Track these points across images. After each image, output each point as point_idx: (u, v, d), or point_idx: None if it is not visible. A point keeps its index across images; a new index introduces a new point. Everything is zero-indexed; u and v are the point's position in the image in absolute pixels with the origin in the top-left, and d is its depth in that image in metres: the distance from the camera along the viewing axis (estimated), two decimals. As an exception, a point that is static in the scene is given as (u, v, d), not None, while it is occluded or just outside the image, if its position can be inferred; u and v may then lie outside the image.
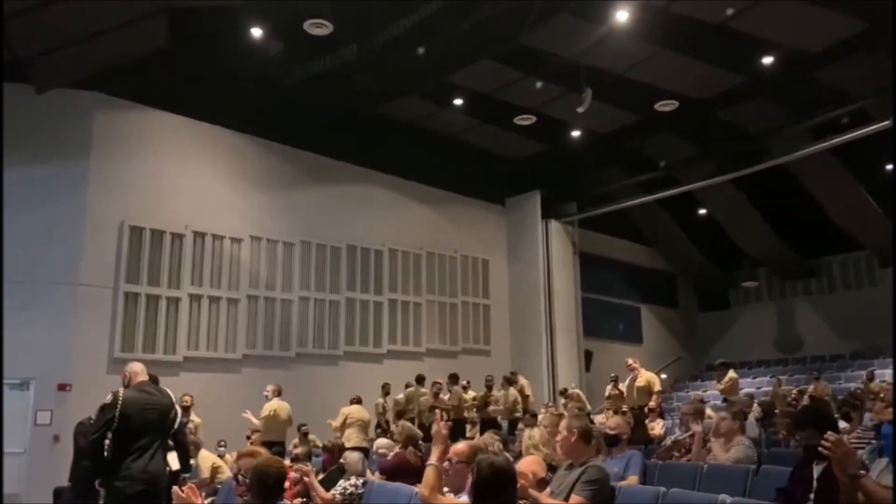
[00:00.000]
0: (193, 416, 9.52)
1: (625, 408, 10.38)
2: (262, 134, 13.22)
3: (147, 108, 12.05)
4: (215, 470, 8.33)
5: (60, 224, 10.89)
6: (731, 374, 11.04)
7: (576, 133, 14.90)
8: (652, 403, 9.69)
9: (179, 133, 12.37)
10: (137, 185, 11.78)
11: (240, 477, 4.06)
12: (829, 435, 2.94)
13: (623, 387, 10.75)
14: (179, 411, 5.19)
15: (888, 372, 14.59)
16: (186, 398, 9.47)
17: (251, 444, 8.47)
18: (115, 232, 11.48)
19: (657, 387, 10.01)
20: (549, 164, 15.96)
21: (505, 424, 11.13)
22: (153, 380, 5.25)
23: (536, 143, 15.53)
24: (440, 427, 3.77)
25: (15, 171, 10.50)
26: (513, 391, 11.66)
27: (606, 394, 11.54)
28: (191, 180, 12.40)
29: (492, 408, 11.46)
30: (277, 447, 9.04)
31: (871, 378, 12.48)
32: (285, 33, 11.45)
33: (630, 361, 10.51)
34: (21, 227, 10.48)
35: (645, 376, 10.10)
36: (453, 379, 11.76)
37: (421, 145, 14.81)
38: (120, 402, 4.69)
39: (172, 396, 5.09)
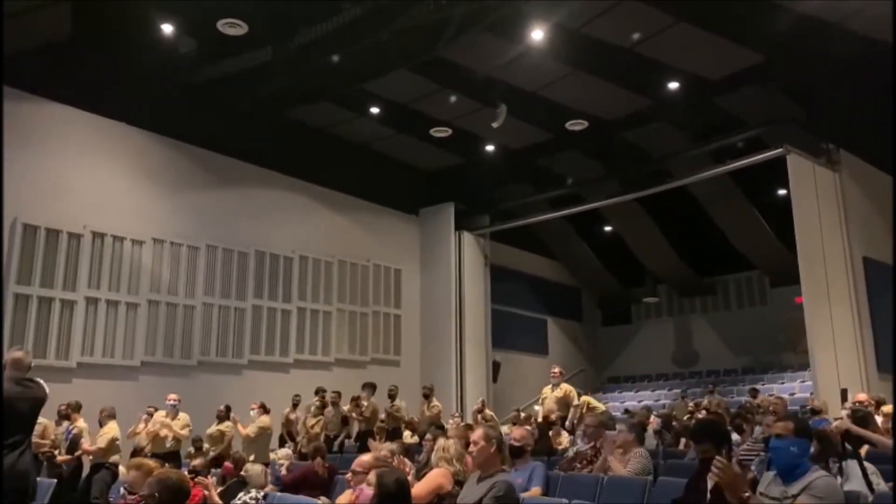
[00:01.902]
0: (80, 422, 9.07)
1: (532, 420, 10.54)
2: (169, 133, 12.75)
3: (46, 101, 11.43)
4: (113, 446, 8.50)
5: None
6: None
7: (490, 147, 15.11)
8: (568, 417, 9.85)
9: (81, 128, 11.78)
10: (33, 180, 11.11)
11: (134, 491, 3.84)
12: (718, 461, 3.06)
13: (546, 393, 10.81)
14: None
15: (776, 387, 15.45)
16: (62, 406, 9.07)
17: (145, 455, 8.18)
18: (7, 229, 10.79)
19: (575, 400, 10.20)
20: (464, 176, 16.11)
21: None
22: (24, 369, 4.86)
23: (451, 155, 15.64)
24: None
25: None
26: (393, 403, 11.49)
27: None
28: (91, 178, 11.82)
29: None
30: (173, 460, 8.71)
31: (754, 395, 13.12)
32: (198, 31, 11.12)
33: (556, 370, 10.63)
34: None
35: (564, 388, 10.29)
36: (371, 388, 11.59)
37: (335, 152, 14.65)
38: None
39: (46, 389, 4.78)
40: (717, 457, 3.14)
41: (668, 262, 19.10)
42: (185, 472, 6.72)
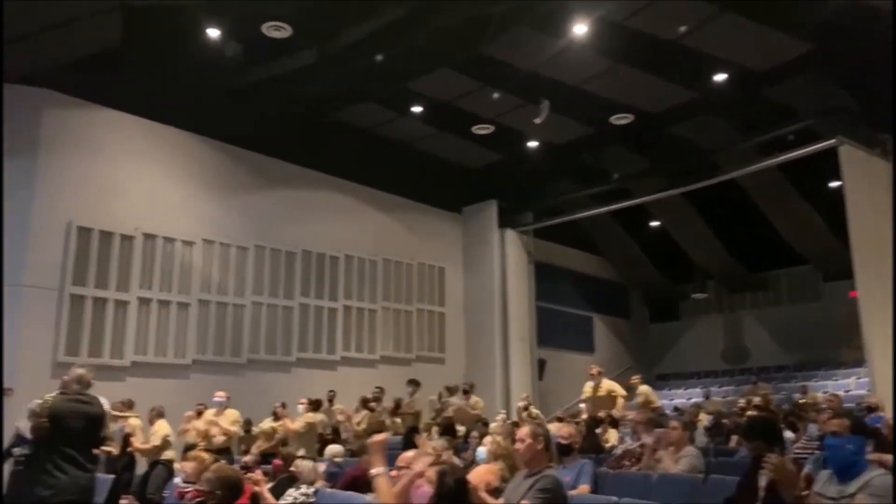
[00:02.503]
0: (132, 420, 9.32)
1: (582, 416, 10.52)
2: (216, 136, 13.02)
3: (98, 107, 11.77)
4: (165, 444, 8.79)
5: (5, 223, 10.54)
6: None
7: (533, 144, 15.00)
8: (616, 412, 9.81)
9: (131, 133, 12.10)
10: (86, 184, 11.47)
11: (191, 480, 3.92)
12: (770, 457, 2.99)
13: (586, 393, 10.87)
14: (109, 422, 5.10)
15: (830, 383, 15.06)
16: (117, 404, 9.32)
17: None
18: (62, 232, 11.15)
19: (620, 397, 10.15)
20: (507, 173, 16.05)
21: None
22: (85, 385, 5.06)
23: (494, 152, 15.60)
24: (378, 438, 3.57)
25: (-43, 167, 10.15)
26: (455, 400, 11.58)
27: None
28: (142, 181, 12.13)
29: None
30: (225, 455, 8.90)
31: (804, 392, 12.82)
32: (243, 35, 11.29)
33: (594, 369, 10.62)
34: (-38, 226, 10.12)
35: (606, 385, 10.23)
36: (415, 385, 11.66)
37: (379, 151, 14.74)
38: (48, 409, 4.55)
39: (105, 405, 4.98)
40: (769, 453, 3.08)
41: (717, 257, 18.75)
42: (238, 467, 6.91)
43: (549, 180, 16.38)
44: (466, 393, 11.87)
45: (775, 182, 15.21)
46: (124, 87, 11.61)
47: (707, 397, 15.02)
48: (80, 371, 5.02)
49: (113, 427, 9.52)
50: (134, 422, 9.44)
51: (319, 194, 14.29)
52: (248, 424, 10.59)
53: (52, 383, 10.45)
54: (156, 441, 8.96)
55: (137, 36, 10.88)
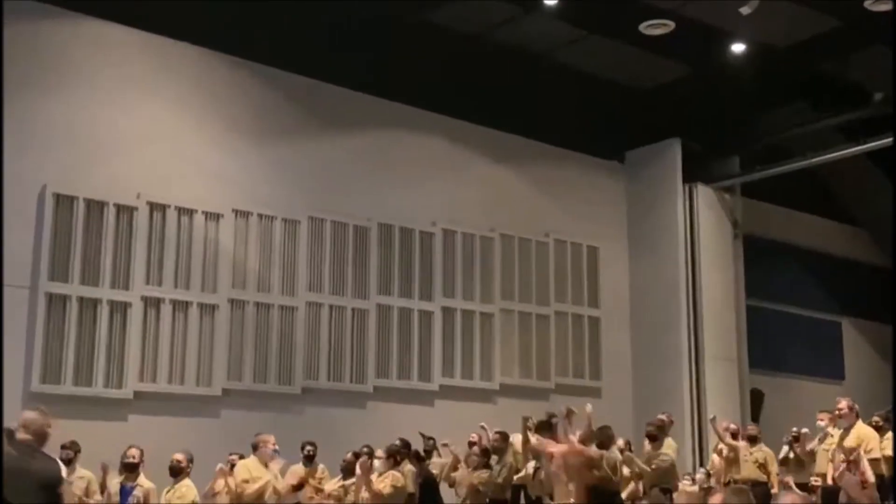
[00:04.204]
0: (142, 480, 9.65)
1: (814, 480, 10.23)
2: (252, 56, 13.28)
3: (81, 17, 12.17)
4: None
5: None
6: None
7: (738, 48, 14.59)
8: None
9: (128, 53, 12.48)
10: (66, 133, 11.91)
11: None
12: None
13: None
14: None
15: None
16: (133, 452, 9.58)
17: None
18: (33, 203, 11.66)
19: (876, 451, 9.93)
20: (695, 97, 15.74)
21: None
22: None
23: (675, 63, 15.34)
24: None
25: None
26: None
27: (781, 456, 11.43)
28: (145, 126, 12.51)
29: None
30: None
31: None
32: None
33: (842, 404, 10.51)
34: None
35: (860, 432, 10.05)
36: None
37: (493, 70, 14.63)
38: None
39: (62, 470, 5.17)
40: None
41: None
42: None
43: (765, 106, 16.06)
44: (654, 439, 11.81)
45: None
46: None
47: None
48: (30, 415, 5.26)
49: (109, 483, 9.93)
50: (147, 483, 9.70)
51: (404, 139, 14.39)
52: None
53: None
54: None
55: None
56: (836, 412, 10.57)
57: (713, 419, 12.44)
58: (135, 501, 9.42)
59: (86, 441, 10.08)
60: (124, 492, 9.68)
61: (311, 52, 13.46)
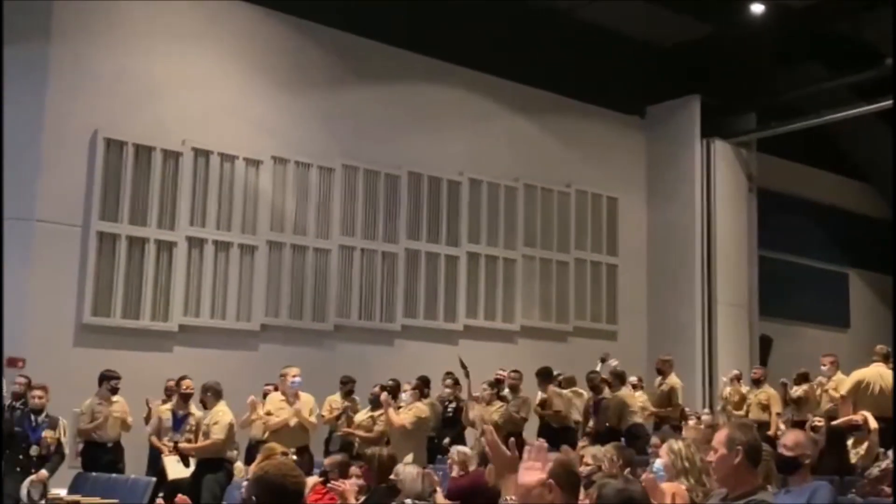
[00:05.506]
0: (193, 409, 9.89)
1: (817, 420, 10.32)
2: (291, 10, 13.37)
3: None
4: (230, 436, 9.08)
5: (8, 136, 11.16)
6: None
7: (757, 7, 14.52)
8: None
9: (178, 7, 12.61)
10: (116, 82, 12.09)
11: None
12: None
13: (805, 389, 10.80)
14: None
15: None
16: (188, 383, 9.86)
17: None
18: (85, 147, 11.87)
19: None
20: (714, 53, 15.74)
21: None
22: None
23: (694, 20, 15.28)
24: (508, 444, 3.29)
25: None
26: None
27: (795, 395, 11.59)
28: (190, 77, 12.69)
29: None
30: (305, 455, 9.30)
31: None
32: None
33: (826, 358, 10.60)
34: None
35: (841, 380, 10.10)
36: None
37: (519, 27, 14.65)
38: None
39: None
40: None
41: None
42: (317, 474, 7.29)
43: (782, 64, 15.99)
44: (662, 373, 12.11)
45: None
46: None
47: None
48: None
49: (161, 408, 10.18)
50: (198, 413, 9.86)
51: (433, 90, 14.46)
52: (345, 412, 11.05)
53: (75, 353, 11.46)
54: (219, 434, 9.10)
55: None
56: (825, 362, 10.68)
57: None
58: (188, 427, 9.70)
59: (133, 370, 10.46)
60: (177, 419, 9.96)
61: (347, 7, 13.56)
